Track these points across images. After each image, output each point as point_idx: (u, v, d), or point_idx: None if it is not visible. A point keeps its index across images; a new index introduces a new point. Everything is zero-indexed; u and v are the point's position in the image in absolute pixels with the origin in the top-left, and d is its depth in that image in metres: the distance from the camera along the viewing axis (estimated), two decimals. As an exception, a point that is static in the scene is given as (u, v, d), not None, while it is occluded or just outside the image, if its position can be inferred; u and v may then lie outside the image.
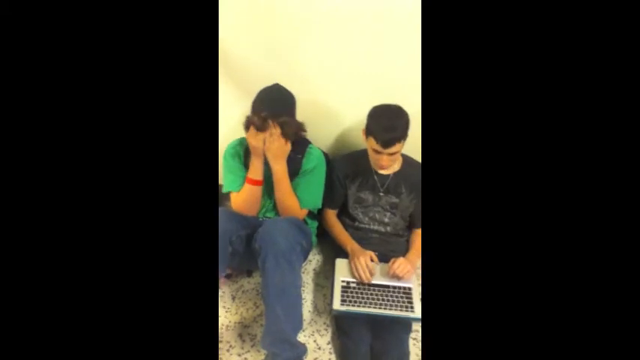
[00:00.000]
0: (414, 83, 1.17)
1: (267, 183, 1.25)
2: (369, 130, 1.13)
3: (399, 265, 1.15)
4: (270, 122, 1.10)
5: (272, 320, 1.01)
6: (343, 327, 1.16)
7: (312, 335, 1.22)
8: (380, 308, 1.10)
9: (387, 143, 1.09)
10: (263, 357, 1.06)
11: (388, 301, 1.12)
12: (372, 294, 1.13)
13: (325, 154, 1.33)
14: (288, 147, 1.15)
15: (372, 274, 1.15)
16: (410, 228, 1.35)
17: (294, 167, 1.21)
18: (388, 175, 1.25)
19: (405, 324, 1.14)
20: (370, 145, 1.14)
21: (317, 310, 1.30)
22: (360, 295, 1.13)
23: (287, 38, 1.20)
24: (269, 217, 1.27)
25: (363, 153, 1.28)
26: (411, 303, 1.12)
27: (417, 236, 1.31)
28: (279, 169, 1.17)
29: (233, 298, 1.32)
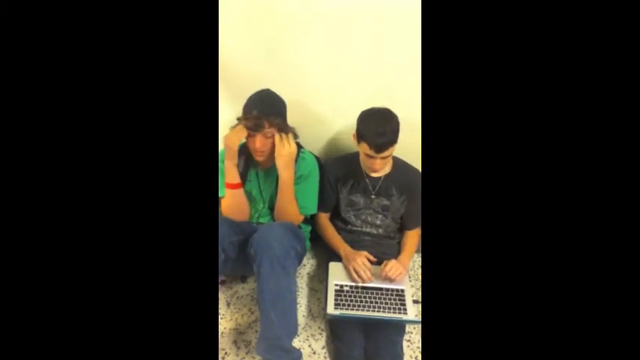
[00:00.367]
0: (410, 85, 1.19)
1: (261, 188, 1.25)
2: (360, 136, 1.13)
3: (392, 267, 1.15)
4: (265, 123, 1.10)
5: (267, 326, 1.02)
6: (336, 330, 1.16)
7: (307, 340, 1.22)
8: (373, 311, 1.11)
9: (380, 148, 1.10)
10: (258, 363, 1.06)
11: (381, 303, 1.12)
12: (365, 297, 1.14)
13: (317, 158, 1.33)
14: (296, 151, 1.15)
15: (371, 274, 1.16)
16: (401, 230, 1.36)
17: None
18: (379, 178, 1.26)
19: (397, 326, 1.15)
20: (363, 150, 1.15)
21: (311, 314, 1.31)
22: (353, 299, 1.14)
23: (284, 41, 1.20)
24: (262, 223, 1.27)
25: (354, 156, 1.28)
26: (403, 305, 1.12)
27: (408, 238, 1.32)
28: (288, 177, 1.17)
29: (228, 305, 1.32)
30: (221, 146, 1.26)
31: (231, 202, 1.19)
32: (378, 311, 1.11)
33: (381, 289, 1.16)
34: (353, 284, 1.17)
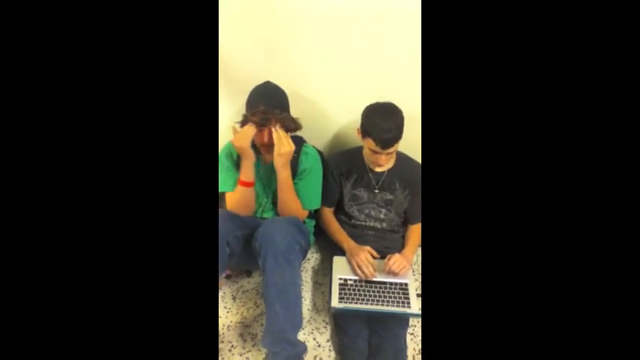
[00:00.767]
0: (411, 82, 1.19)
1: (264, 183, 1.26)
2: (365, 131, 1.13)
3: (395, 261, 1.16)
4: (272, 118, 1.10)
5: (272, 319, 1.03)
6: (340, 324, 1.18)
7: (312, 333, 1.24)
8: (377, 305, 1.12)
9: (386, 144, 1.10)
10: (264, 356, 1.07)
11: (385, 297, 1.13)
12: (369, 291, 1.15)
13: (320, 153, 1.34)
14: (294, 149, 1.15)
15: (374, 269, 1.17)
16: (405, 224, 1.37)
17: (291, 167, 1.22)
18: (382, 172, 1.27)
19: (401, 320, 1.16)
20: (368, 145, 1.15)
21: (316, 308, 1.32)
22: (357, 292, 1.15)
23: (284, 40, 1.21)
24: (266, 217, 1.28)
25: (357, 150, 1.29)
26: (407, 299, 1.13)
27: (412, 232, 1.33)
28: (287, 175, 1.18)
29: (234, 298, 1.34)
30: (221, 144, 1.27)
31: (242, 198, 1.20)
32: (382, 305, 1.12)
33: (385, 283, 1.17)
34: (357, 278, 1.18)
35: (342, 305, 1.12)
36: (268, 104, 1.10)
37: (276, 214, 1.27)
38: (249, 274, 1.42)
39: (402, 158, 1.28)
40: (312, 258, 1.50)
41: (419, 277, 1.44)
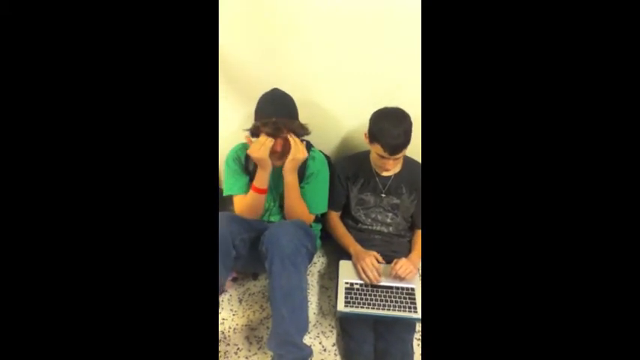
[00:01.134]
0: (414, 84, 1.19)
1: (272, 186, 1.27)
2: (373, 137, 1.13)
3: (402, 265, 1.16)
4: (284, 127, 1.11)
5: (278, 322, 1.03)
6: (347, 328, 1.17)
7: (318, 337, 1.24)
8: (383, 309, 1.11)
9: (394, 150, 1.10)
10: (269, 359, 1.07)
11: (391, 302, 1.13)
12: (375, 295, 1.15)
13: (327, 157, 1.34)
14: (306, 155, 1.17)
15: (379, 274, 1.16)
16: (412, 228, 1.36)
17: (298, 171, 1.23)
18: (389, 177, 1.27)
19: (408, 324, 1.15)
20: (376, 150, 1.15)
21: (322, 311, 1.32)
22: (363, 296, 1.14)
23: (286, 42, 1.21)
24: (273, 221, 1.28)
25: (364, 155, 1.29)
26: (414, 304, 1.13)
27: (418, 237, 1.32)
28: (294, 180, 1.19)
29: (240, 301, 1.34)
30: (221, 148, 1.27)
31: (253, 203, 1.21)
32: (388, 309, 1.11)
33: (391, 287, 1.16)
34: (363, 282, 1.18)
35: (347, 309, 1.12)
36: (280, 114, 1.11)
37: (283, 217, 1.28)
38: (255, 277, 1.42)
39: (409, 162, 1.28)
40: (319, 262, 1.50)
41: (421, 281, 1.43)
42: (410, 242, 1.34)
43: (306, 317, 1.08)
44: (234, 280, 1.40)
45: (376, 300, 1.13)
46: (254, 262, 1.17)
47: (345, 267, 1.23)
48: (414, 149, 1.25)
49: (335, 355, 1.19)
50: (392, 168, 1.20)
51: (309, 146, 1.29)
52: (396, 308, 1.11)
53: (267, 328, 1.24)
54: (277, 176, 1.24)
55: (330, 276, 1.44)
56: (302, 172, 1.24)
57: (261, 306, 1.33)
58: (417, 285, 1.17)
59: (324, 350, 1.20)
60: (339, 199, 1.32)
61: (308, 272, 1.43)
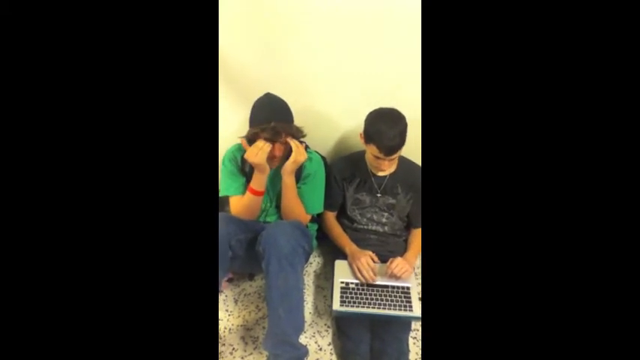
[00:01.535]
0: (413, 84, 1.20)
1: (268, 187, 1.27)
2: (369, 137, 1.14)
3: (397, 264, 1.16)
4: (282, 132, 1.12)
5: (274, 322, 1.03)
6: (343, 327, 1.18)
7: (314, 336, 1.24)
8: (379, 308, 1.12)
9: (390, 151, 1.11)
10: (265, 359, 1.07)
11: (387, 300, 1.13)
12: (370, 294, 1.15)
13: (323, 158, 1.35)
14: (306, 158, 1.17)
15: (375, 274, 1.17)
16: (408, 228, 1.37)
17: (296, 172, 1.23)
18: (385, 177, 1.27)
19: (403, 323, 1.16)
20: (371, 151, 1.15)
21: (318, 311, 1.32)
22: (359, 296, 1.15)
23: (284, 41, 1.22)
24: (270, 221, 1.29)
25: (360, 155, 1.30)
26: (409, 302, 1.13)
27: (414, 236, 1.33)
28: (292, 181, 1.19)
29: (235, 302, 1.34)
30: (220, 146, 1.27)
31: (249, 205, 1.21)
32: (383, 308, 1.12)
33: (387, 286, 1.17)
34: (359, 282, 1.18)
35: (343, 308, 1.12)
36: (277, 119, 1.11)
37: (280, 217, 1.28)
38: (251, 277, 1.42)
39: (404, 162, 1.29)
40: (315, 262, 1.50)
41: (421, 281, 1.44)
42: (405, 242, 1.35)
43: (303, 317, 1.08)
44: (230, 280, 1.40)
45: (372, 299, 1.14)
46: (250, 262, 1.17)
47: (340, 267, 1.24)
48: (413, 150, 1.26)
49: (331, 354, 1.19)
50: (387, 168, 1.21)
51: (305, 147, 1.29)
52: (392, 307, 1.12)
53: (263, 328, 1.24)
54: (274, 177, 1.24)
55: (326, 276, 1.44)
56: (299, 172, 1.24)
57: (257, 306, 1.33)
58: (412, 284, 1.18)
59: (320, 349, 1.20)
60: (335, 200, 1.33)
61: (304, 272, 1.43)
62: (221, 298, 1.34)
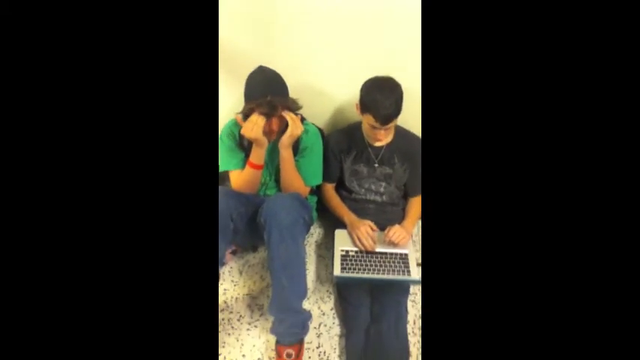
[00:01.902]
0: (407, 55, 1.20)
1: (267, 161, 1.29)
2: (364, 107, 1.14)
3: (395, 232, 1.20)
4: (279, 105, 1.11)
5: (278, 290, 1.08)
6: (344, 294, 1.23)
7: (317, 302, 1.30)
8: (378, 274, 1.16)
9: (385, 120, 1.12)
10: (271, 324, 1.13)
11: (385, 266, 1.18)
12: (370, 261, 1.19)
13: (320, 130, 1.35)
14: (302, 130, 1.18)
15: (374, 242, 1.21)
16: (405, 197, 1.40)
17: (293, 145, 1.24)
18: (381, 147, 1.29)
19: (402, 287, 1.21)
20: (367, 121, 1.16)
21: (320, 279, 1.37)
22: (358, 263, 1.19)
23: (280, 21, 1.20)
24: (269, 195, 1.31)
25: (356, 126, 1.30)
26: (407, 268, 1.18)
27: (412, 205, 1.36)
28: (289, 155, 1.21)
29: (240, 273, 1.39)
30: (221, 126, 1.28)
31: (249, 179, 1.23)
32: (382, 274, 1.16)
33: (385, 253, 1.21)
34: (358, 250, 1.22)
35: (344, 274, 1.16)
36: (273, 92, 1.10)
37: (279, 191, 1.30)
38: (254, 249, 1.47)
39: (400, 132, 1.30)
40: (316, 233, 1.54)
41: (419, 247, 1.48)
42: (403, 210, 1.37)
43: (305, 285, 1.13)
44: (234, 253, 1.45)
45: (371, 266, 1.18)
46: (252, 235, 1.21)
47: (340, 236, 1.27)
48: (408, 120, 1.27)
49: (333, 318, 1.25)
50: (384, 138, 1.22)
51: (302, 120, 1.30)
52: (391, 273, 1.16)
53: (268, 296, 1.29)
54: (273, 151, 1.26)
55: (326, 246, 1.48)
56: (296, 145, 1.25)
57: (261, 276, 1.38)
58: (410, 250, 1.22)
59: (323, 314, 1.26)
60: (333, 171, 1.35)
61: (306, 243, 1.47)
62: (226, 269, 1.40)
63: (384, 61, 1.25)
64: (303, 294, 1.12)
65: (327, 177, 1.34)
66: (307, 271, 1.35)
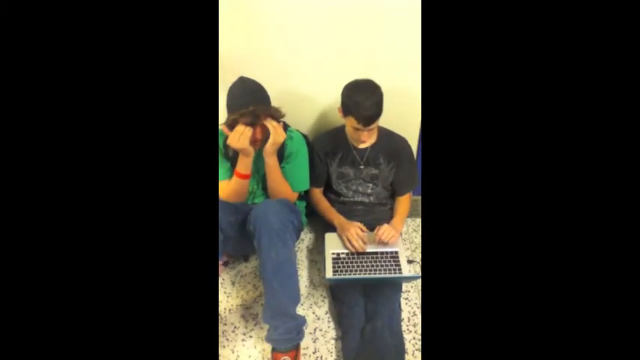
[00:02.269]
0: (387, 57, 1.22)
1: (253, 170, 1.29)
2: (347, 109, 1.16)
3: (384, 231, 1.21)
4: (262, 115, 1.12)
5: (271, 295, 1.08)
6: (338, 295, 1.23)
7: (311, 307, 1.29)
8: (370, 273, 1.17)
9: (368, 121, 1.14)
10: (266, 333, 1.12)
11: (377, 266, 1.18)
12: (361, 262, 1.20)
13: (305, 136, 1.37)
14: (285, 137, 1.19)
15: (364, 243, 1.21)
16: (392, 196, 1.41)
17: (277, 152, 1.25)
18: (366, 149, 1.30)
19: (394, 285, 1.21)
20: (350, 123, 1.18)
21: (313, 284, 1.37)
22: (350, 264, 1.19)
23: (260, 25, 1.22)
24: (257, 203, 1.31)
25: (340, 130, 1.32)
26: (398, 266, 1.18)
27: (399, 203, 1.37)
28: (274, 162, 1.21)
29: (233, 283, 1.38)
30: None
31: (237, 189, 1.23)
32: (374, 273, 1.17)
33: (376, 253, 1.22)
34: (349, 252, 1.23)
35: (335, 276, 1.17)
36: (254, 103, 1.11)
37: (267, 199, 1.31)
38: (246, 258, 1.46)
39: (383, 133, 1.32)
40: (306, 238, 1.54)
41: (409, 245, 1.50)
42: (391, 209, 1.39)
43: (298, 289, 1.12)
44: (226, 264, 1.44)
45: (362, 266, 1.19)
46: (243, 243, 1.21)
47: (330, 239, 1.28)
48: (395, 122, 1.29)
49: (328, 322, 1.24)
50: (367, 139, 1.24)
51: (285, 127, 1.31)
52: (382, 271, 1.17)
53: (262, 305, 1.28)
54: (258, 159, 1.26)
55: (318, 250, 1.48)
56: (281, 152, 1.26)
57: (254, 285, 1.37)
58: (400, 248, 1.23)
59: (318, 319, 1.25)
60: (320, 176, 1.36)
61: (297, 248, 1.47)
62: (218, 281, 1.38)
63: (366, 65, 1.27)
64: (296, 299, 1.11)
65: (314, 181, 1.35)
66: (300, 277, 1.35)
